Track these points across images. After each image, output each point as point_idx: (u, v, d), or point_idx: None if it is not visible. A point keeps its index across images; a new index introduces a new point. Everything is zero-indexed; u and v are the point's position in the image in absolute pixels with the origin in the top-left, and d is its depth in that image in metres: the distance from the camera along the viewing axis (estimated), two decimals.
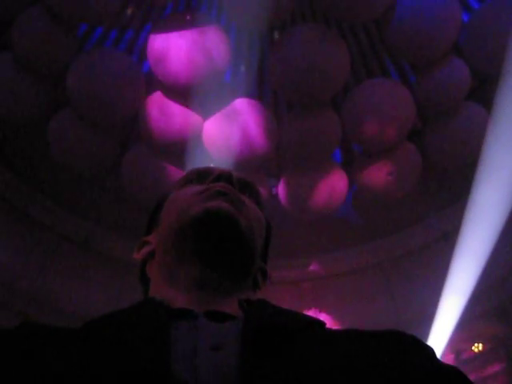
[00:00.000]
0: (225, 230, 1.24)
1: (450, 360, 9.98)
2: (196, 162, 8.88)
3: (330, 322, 9.32)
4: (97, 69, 8.87)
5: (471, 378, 1.08)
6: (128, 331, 1.05)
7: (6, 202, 10.17)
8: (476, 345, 10.86)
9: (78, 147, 9.48)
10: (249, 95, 9.56)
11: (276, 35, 9.98)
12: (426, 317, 9.79)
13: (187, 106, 9.14)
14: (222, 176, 1.37)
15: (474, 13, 9.15)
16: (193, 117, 9.27)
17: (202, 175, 1.43)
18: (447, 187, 10.29)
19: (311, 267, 11.31)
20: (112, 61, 9.07)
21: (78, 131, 9.43)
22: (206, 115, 9.34)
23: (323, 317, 9.78)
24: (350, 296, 10.97)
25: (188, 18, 8.84)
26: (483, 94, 9.38)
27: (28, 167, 10.29)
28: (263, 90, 10.55)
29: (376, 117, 9.14)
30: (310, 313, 9.45)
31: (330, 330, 1.16)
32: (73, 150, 9.54)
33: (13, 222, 10.23)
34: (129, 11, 9.89)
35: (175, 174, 9.21)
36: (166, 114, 9.25)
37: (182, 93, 9.01)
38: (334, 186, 10.00)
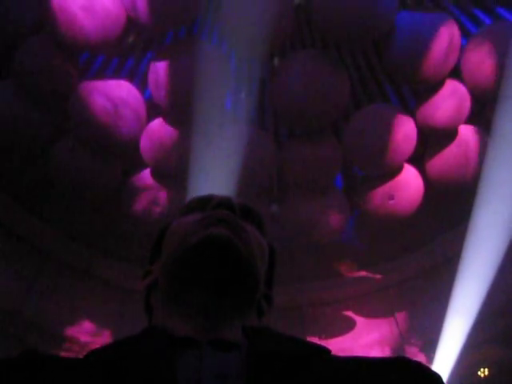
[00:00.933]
0: (225, 257, 1.24)
1: None
2: (198, 187, 8.88)
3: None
4: (98, 96, 8.92)
5: None
6: (132, 361, 1.04)
7: (7, 228, 10.16)
8: (482, 370, 10.75)
9: (79, 174, 9.51)
10: (249, 122, 9.61)
11: (276, 62, 10.05)
12: (431, 342, 9.72)
13: (188, 133, 9.17)
14: (222, 203, 1.37)
15: (471, 36, 9.22)
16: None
17: (203, 203, 1.43)
18: (448, 211, 10.27)
19: (314, 293, 11.25)
20: (113, 88, 9.13)
21: (80, 158, 9.46)
22: (207, 141, 9.36)
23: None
24: (353, 322, 10.90)
25: (189, 45, 8.92)
26: (484, 117, 9.42)
27: (29, 194, 10.30)
28: (264, 117, 10.60)
29: (376, 142, 9.17)
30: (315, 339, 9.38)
31: (336, 358, 1.14)
32: (74, 177, 9.56)
33: (13, 249, 10.21)
34: (130, 39, 9.98)
35: (177, 199, 9.22)
36: (167, 140, 9.29)
37: (183, 119, 9.06)
38: (335, 211, 9.99)
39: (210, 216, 1.31)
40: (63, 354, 9.59)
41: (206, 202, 1.42)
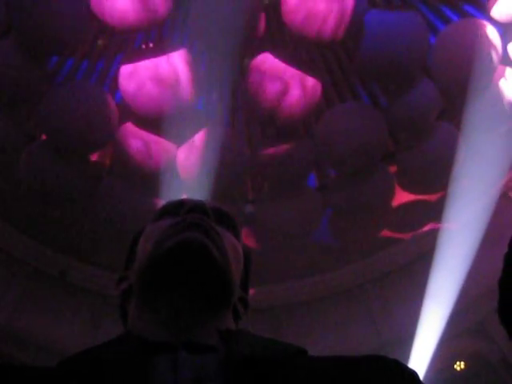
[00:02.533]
0: (198, 261, 1.23)
1: (432, 379, 9.98)
2: (171, 190, 8.85)
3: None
4: (68, 100, 8.84)
5: None
6: (107, 368, 1.04)
7: None
8: (458, 363, 10.89)
9: (50, 179, 9.40)
10: (221, 122, 9.59)
11: (246, 62, 10.05)
12: (408, 337, 9.80)
13: (159, 135, 9.13)
14: (195, 207, 1.37)
15: (439, 34, 9.32)
16: (166, 145, 9.27)
17: (177, 207, 1.42)
18: (421, 207, 10.36)
19: (288, 293, 11.28)
20: (83, 92, 9.05)
21: (51, 163, 9.35)
22: (179, 143, 9.33)
23: None
24: (330, 320, 10.95)
25: (158, 47, 8.89)
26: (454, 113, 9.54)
27: (0, 202, 10.16)
28: (236, 117, 10.60)
29: (348, 140, 9.21)
30: None
31: (313, 358, 1.15)
32: (46, 182, 9.45)
33: None
34: (100, 42, 9.91)
35: (150, 203, 9.16)
36: (138, 143, 9.24)
37: (153, 121, 9.01)
38: (308, 209, 10.03)
39: (184, 220, 1.31)
40: (37, 362, 9.49)
41: (179, 207, 1.42)
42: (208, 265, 1.24)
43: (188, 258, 1.23)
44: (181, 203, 1.44)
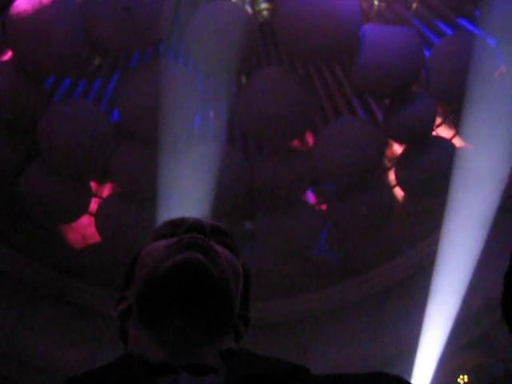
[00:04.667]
0: (197, 282, 1.23)
1: None
2: (169, 208, 8.84)
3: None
4: (66, 120, 8.85)
5: None
6: None
7: None
8: (461, 376, 10.81)
9: (48, 199, 9.39)
10: (219, 140, 9.61)
11: (243, 79, 10.10)
12: (410, 351, 9.74)
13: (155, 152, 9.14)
14: (193, 226, 1.36)
15: (434, 47, 9.37)
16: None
17: (174, 227, 1.42)
18: (420, 221, 10.35)
19: (289, 309, 11.22)
20: (80, 112, 9.08)
21: (49, 183, 9.35)
22: (176, 159, 9.34)
23: None
24: (331, 335, 10.89)
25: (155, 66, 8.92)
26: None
27: None
28: (233, 134, 10.61)
29: (345, 155, 9.22)
30: None
31: (314, 376, 1.13)
32: (44, 202, 9.44)
33: None
34: (96, 62, 9.94)
35: (149, 222, 9.15)
36: (135, 161, 9.27)
37: (151, 140, 9.03)
38: (307, 224, 10.02)
39: (181, 240, 1.30)
40: None
41: (177, 226, 1.41)
42: (207, 285, 1.23)
43: (187, 279, 1.22)
44: (178, 222, 1.43)
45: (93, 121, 9.12)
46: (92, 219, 10.14)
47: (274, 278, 10.40)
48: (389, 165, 10.22)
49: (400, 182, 9.94)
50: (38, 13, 8.18)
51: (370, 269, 10.98)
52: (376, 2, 9.52)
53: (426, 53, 9.24)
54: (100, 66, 10.01)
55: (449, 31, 9.78)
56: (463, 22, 9.67)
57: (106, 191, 10.38)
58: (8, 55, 9.00)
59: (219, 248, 1.33)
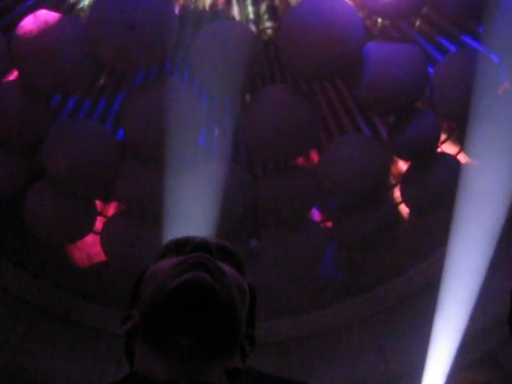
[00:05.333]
0: (203, 301, 1.22)
1: None
2: (175, 227, 8.83)
3: None
4: (70, 139, 8.89)
5: None
6: None
7: None
8: None
9: (53, 218, 9.40)
10: (224, 158, 9.63)
11: (247, 97, 10.13)
12: (417, 368, 9.66)
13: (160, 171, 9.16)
14: (199, 245, 1.36)
15: (438, 65, 9.40)
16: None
17: (180, 246, 1.42)
18: (426, 237, 10.33)
19: (295, 327, 11.17)
20: (85, 131, 9.12)
21: (54, 202, 9.37)
22: (181, 178, 9.35)
23: None
24: (337, 353, 10.82)
25: (160, 84, 8.97)
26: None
27: (3, 240, 10.14)
28: (238, 152, 10.63)
29: (350, 172, 9.23)
30: None
31: None
32: (49, 221, 9.46)
33: None
34: (101, 80, 10.00)
35: (155, 240, 9.15)
36: (140, 180, 9.28)
37: (156, 159, 9.05)
38: (313, 242, 10.00)
39: (187, 260, 1.30)
40: None
41: (182, 246, 1.41)
42: (214, 305, 1.22)
43: (192, 299, 1.22)
44: (184, 241, 1.43)
45: (98, 140, 9.16)
46: (97, 238, 10.15)
47: (279, 296, 10.36)
48: (394, 182, 10.22)
49: (405, 199, 9.93)
50: (44, 33, 8.26)
51: (377, 286, 10.93)
52: (380, 20, 9.56)
53: (430, 70, 9.27)
54: (105, 84, 10.07)
55: (453, 48, 9.81)
56: (467, 39, 9.71)
57: (111, 210, 10.40)
58: (14, 75, 9.06)
59: (225, 267, 1.33)
